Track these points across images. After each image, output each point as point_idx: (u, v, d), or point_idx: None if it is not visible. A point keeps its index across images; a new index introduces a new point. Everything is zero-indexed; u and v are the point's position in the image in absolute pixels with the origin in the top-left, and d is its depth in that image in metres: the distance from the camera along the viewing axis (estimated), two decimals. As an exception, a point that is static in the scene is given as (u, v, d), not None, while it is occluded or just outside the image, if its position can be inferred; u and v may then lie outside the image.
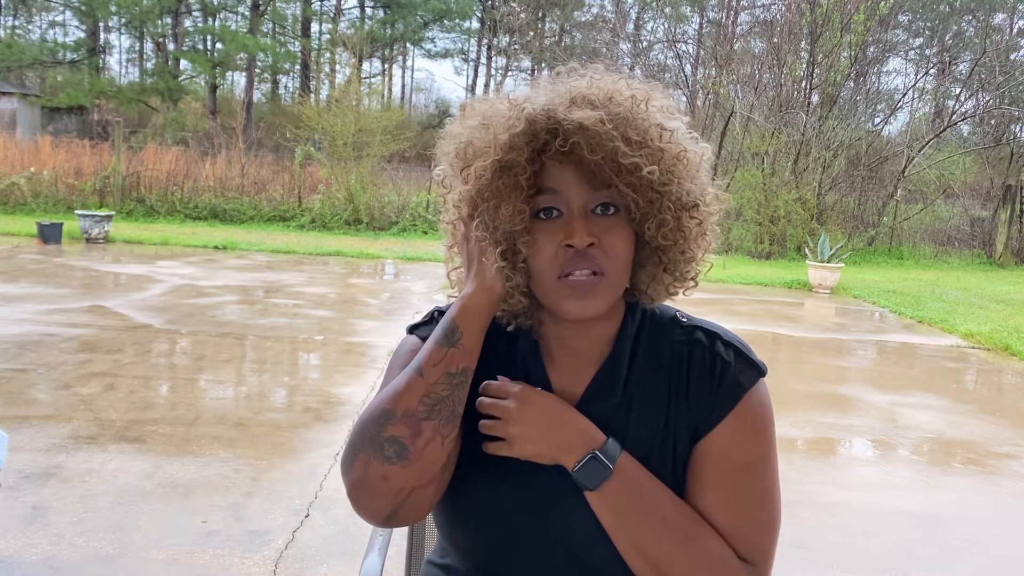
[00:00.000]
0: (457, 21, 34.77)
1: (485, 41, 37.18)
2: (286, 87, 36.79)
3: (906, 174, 17.26)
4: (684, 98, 19.35)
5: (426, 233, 15.33)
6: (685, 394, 0.96)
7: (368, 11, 35.20)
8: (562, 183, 0.90)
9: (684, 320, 1.02)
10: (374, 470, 0.89)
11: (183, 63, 29.95)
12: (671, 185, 0.91)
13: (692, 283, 1.00)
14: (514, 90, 0.96)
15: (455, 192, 0.97)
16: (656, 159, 0.89)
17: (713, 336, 0.99)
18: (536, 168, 0.90)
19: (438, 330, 0.93)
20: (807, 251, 12.03)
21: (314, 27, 34.31)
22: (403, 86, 40.32)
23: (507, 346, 1.01)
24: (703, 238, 0.96)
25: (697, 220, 0.94)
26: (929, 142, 17.60)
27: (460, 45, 37.54)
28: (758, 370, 0.98)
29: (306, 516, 3.00)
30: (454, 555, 1.03)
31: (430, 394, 0.90)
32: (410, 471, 0.89)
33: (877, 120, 19.36)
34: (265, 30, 31.86)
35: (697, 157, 0.94)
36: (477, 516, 0.96)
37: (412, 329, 1.07)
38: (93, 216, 11.62)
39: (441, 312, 1.07)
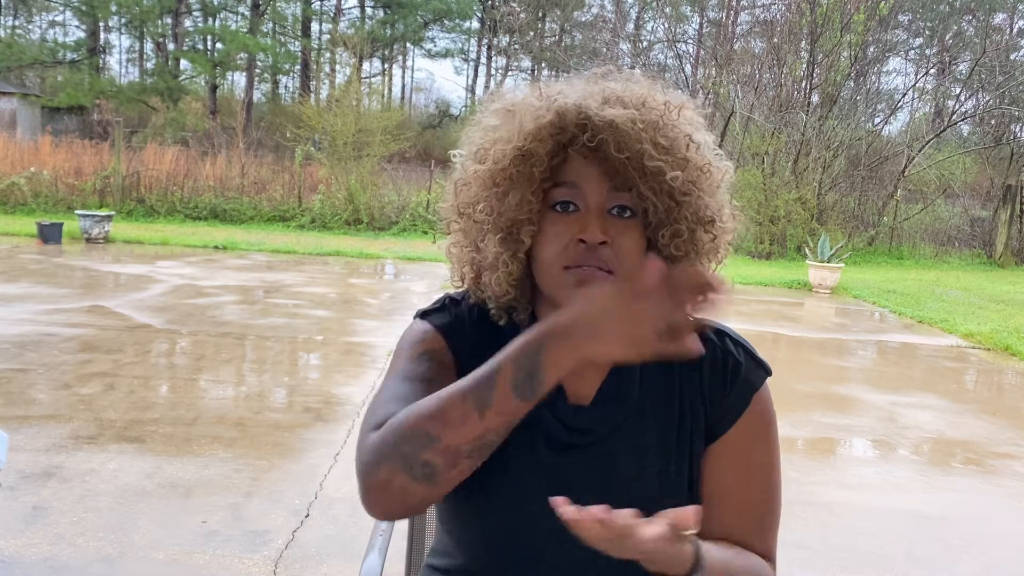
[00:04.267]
0: (457, 21, 34.79)
1: (485, 41, 37.18)
2: (286, 87, 36.82)
3: (906, 174, 17.26)
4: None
5: (426, 233, 15.31)
6: (699, 392, 0.97)
7: (368, 11, 35.21)
8: (583, 178, 0.90)
9: (691, 318, 1.02)
10: (397, 483, 0.85)
11: (183, 63, 29.98)
12: (691, 196, 0.90)
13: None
14: (547, 82, 0.95)
15: (466, 172, 0.95)
16: (681, 167, 0.89)
17: (722, 334, 1.00)
18: (559, 161, 0.90)
19: (514, 370, 0.78)
20: (807, 251, 12.03)
21: (314, 27, 34.34)
22: (403, 86, 40.33)
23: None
24: (715, 254, 0.96)
25: (712, 235, 0.94)
26: (929, 142, 17.60)
27: (460, 45, 37.57)
28: (765, 370, 0.99)
29: (306, 516, 3.00)
30: (454, 548, 1.02)
31: (482, 437, 0.83)
32: (432, 493, 0.86)
33: (877, 120, 19.40)
34: (265, 30, 31.87)
35: (720, 173, 0.94)
36: (485, 511, 0.96)
37: (424, 315, 1.03)
38: (93, 216, 11.62)
39: (454, 301, 1.03)
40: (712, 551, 0.89)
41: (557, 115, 0.88)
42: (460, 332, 1.00)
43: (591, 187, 0.90)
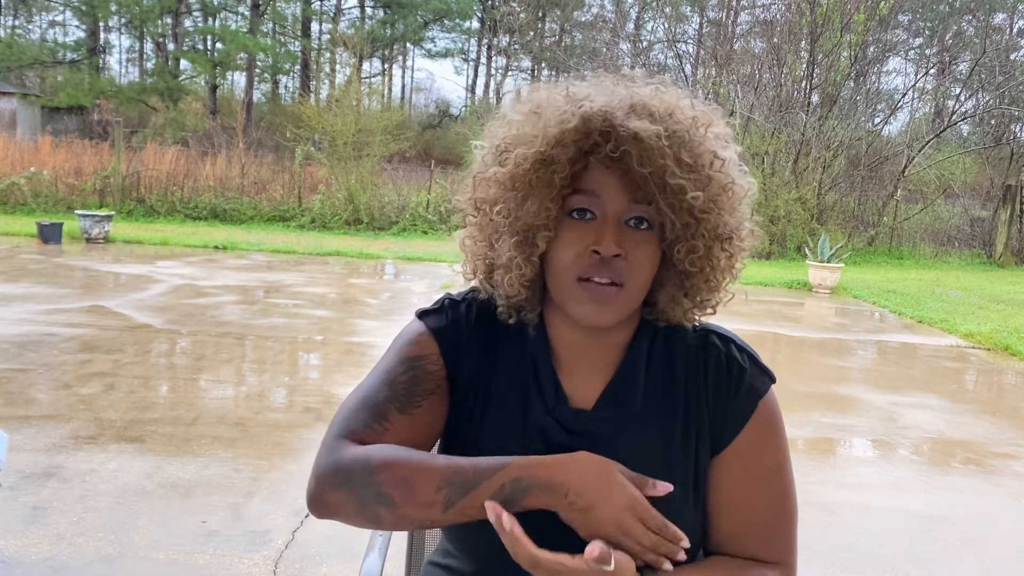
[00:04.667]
0: (457, 21, 34.79)
1: (485, 41, 37.19)
2: (286, 87, 36.82)
3: (906, 174, 17.26)
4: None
5: (426, 233, 15.32)
6: (704, 399, 0.96)
7: (368, 11, 35.21)
8: (603, 188, 0.89)
9: (696, 324, 1.02)
10: (344, 510, 0.88)
11: (183, 63, 29.98)
12: (711, 214, 0.89)
13: (711, 311, 0.99)
14: (575, 83, 0.94)
15: (486, 169, 0.95)
16: (703, 186, 0.88)
17: (727, 340, 0.99)
18: (579, 168, 0.89)
19: (497, 490, 0.83)
20: (807, 251, 12.03)
21: (314, 27, 34.33)
22: (403, 86, 40.34)
23: (517, 346, 1.00)
24: (730, 271, 0.96)
25: (728, 253, 0.94)
26: (929, 142, 17.60)
27: (460, 45, 37.57)
28: (770, 377, 0.99)
29: (306, 516, 3.00)
30: (458, 553, 1.02)
31: (434, 523, 0.87)
32: (372, 528, 0.89)
33: (877, 120, 19.39)
34: (265, 30, 31.88)
35: (742, 191, 0.93)
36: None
37: (422, 315, 1.03)
38: (93, 216, 11.62)
39: (453, 303, 1.03)
40: None
41: (582, 121, 0.87)
42: (455, 336, 1.00)
43: (610, 197, 0.89)
